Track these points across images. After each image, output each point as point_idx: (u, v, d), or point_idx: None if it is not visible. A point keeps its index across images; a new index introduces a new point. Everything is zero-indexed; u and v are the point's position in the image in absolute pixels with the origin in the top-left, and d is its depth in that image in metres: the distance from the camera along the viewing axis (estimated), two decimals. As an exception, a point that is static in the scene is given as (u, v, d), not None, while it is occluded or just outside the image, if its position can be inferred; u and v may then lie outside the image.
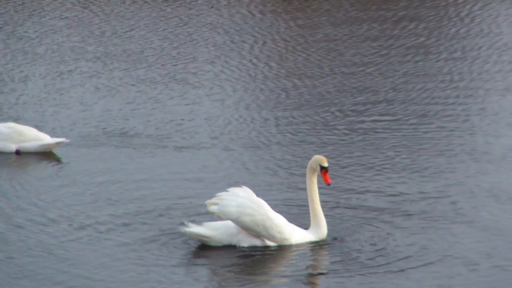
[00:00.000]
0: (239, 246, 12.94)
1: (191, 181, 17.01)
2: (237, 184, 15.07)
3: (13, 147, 18.48)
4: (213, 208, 12.76)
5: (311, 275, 12.36)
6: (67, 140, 18.87)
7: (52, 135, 19.29)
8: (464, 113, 21.20)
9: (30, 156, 19.10)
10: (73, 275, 11.86)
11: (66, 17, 35.61)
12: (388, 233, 13.12)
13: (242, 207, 12.72)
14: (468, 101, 22.38)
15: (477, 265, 11.77)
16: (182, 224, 13.20)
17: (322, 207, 13.28)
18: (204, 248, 13.39)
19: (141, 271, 11.99)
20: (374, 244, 12.73)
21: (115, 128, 21.04)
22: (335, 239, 13.14)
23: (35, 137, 18.65)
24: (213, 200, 13.02)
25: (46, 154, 19.05)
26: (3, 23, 35.29)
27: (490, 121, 20.49)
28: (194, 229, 12.73)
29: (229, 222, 13.17)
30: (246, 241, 12.93)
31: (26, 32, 32.78)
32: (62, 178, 17.71)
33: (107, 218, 14.83)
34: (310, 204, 12.61)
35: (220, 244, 13.16)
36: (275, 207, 13.46)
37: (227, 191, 13.19)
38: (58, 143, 18.70)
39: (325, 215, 13.13)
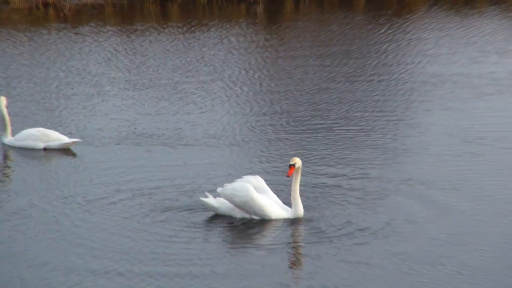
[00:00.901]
0: (234, 217, 13.48)
1: (189, 170, 17.28)
2: (226, 173, 16.42)
3: (41, 145, 20.22)
4: (218, 190, 13.43)
5: (287, 243, 13.07)
6: (80, 140, 20.46)
7: (76, 137, 21.16)
8: (391, 119, 22.71)
9: (53, 152, 20.82)
10: (87, 246, 12.51)
11: (100, 50, 36.74)
12: (352, 212, 13.87)
13: (235, 191, 13.27)
14: (392, 111, 23.96)
15: (416, 236, 12.74)
16: (203, 194, 13.68)
17: (303, 191, 13.90)
18: (206, 220, 13.71)
19: (149, 239, 12.62)
20: (342, 220, 13.35)
21: (129, 132, 22.15)
22: (310, 217, 13.68)
23: (57, 138, 20.44)
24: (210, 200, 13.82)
25: (65, 150, 20.75)
26: (49, 54, 36.39)
27: (409, 125, 21.70)
28: (209, 200, 13.31)
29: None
30: (239, 214, 13.48)
31: (68, 60, 34.16)
32: (79, 169, 18.98)
33: (116, 198, 15.47)
34: (292, 192, 13.12)
35: (224, 214, 13.59)
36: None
37: (242, 177, 13.68)
38: (74, 142, 20.39)
39: (303, 198, 13.68)
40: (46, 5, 43.10)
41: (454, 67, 30.18)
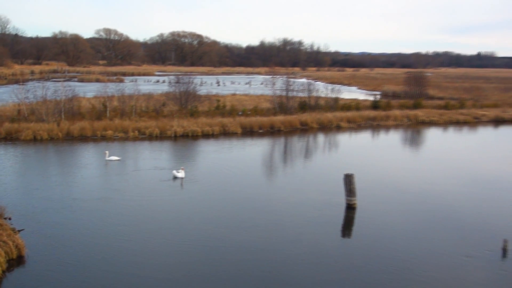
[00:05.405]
0: (176, 177, 26.22)
1: (163, 167, 28.69)
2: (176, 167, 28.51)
3: (113, 159, 30.57)
4: (172, 173, 26.58)
5: (179, 184, 25.72)
6: (120, 158, 30.86)
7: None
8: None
9: (116, 162, 30.84)
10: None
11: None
12: (203, 176, 25.77)
13: (173, 171, 26.32)
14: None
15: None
16: (174, 172, 26.57)
17: (188, 172, 27.29)
18: (168, 178, 26.39)
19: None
20: (201, 176, 27.13)
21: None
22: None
23: (116, 158, 30.72)
24: (174, 171, 26.93)
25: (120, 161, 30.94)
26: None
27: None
28: (173, 173, 26.33)
29: (176, 173, 26.59)
30: (175, 176, 26.12)
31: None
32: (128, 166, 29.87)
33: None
34: (182, 173, 26.27)
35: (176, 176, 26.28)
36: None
37: (179, 169, 26.69)
38: (119, 159, 30.53)
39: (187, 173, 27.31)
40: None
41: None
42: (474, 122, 56.56)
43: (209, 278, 15.18)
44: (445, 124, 54.63)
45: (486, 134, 49.35)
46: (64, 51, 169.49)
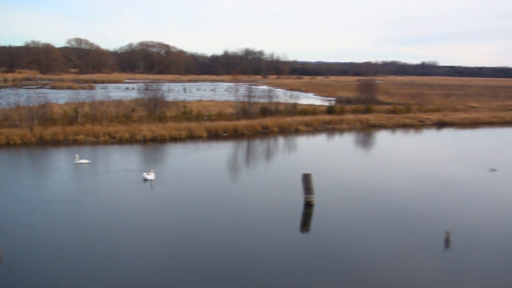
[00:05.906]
0: (146, 179, 25.72)
1: (133, 169, 24.41)
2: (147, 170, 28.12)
3: (84, 161, 29.92)
4: (143, 175, 26.09)
5: (149, 185, 25.04)
6: (89, 161, 30.14)
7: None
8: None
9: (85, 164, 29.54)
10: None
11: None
12: (170, 178, 22.61)
13: (144, 173, 25.80)
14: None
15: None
16: (144, 175, 26.11)
17: (158, 174, 26.38)
18: (141, 180, 25.49)
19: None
20: (174, 179, 24.20)
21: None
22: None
23: (85, 161, 29.79)
24: (144, 173, 26.48)
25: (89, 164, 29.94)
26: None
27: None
28: (143, 175, 25.81)
29: (146, 175, 26.18)
30: (146, 178, 25.61)
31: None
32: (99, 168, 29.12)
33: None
34: (152, 174, 25.62)
35: (144, 178, 25.82)
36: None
37: (149, 171, 26.37)
38: (88, 162, 29.60)
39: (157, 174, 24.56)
40: None
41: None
42: (419, 125, 57.66)
43: (177, 269, 14.97)
44: (393, 127, 55.54)
45: (430, 136, 50.18)
46: (37, 60, 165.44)
